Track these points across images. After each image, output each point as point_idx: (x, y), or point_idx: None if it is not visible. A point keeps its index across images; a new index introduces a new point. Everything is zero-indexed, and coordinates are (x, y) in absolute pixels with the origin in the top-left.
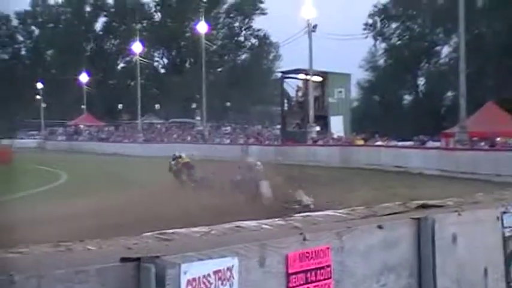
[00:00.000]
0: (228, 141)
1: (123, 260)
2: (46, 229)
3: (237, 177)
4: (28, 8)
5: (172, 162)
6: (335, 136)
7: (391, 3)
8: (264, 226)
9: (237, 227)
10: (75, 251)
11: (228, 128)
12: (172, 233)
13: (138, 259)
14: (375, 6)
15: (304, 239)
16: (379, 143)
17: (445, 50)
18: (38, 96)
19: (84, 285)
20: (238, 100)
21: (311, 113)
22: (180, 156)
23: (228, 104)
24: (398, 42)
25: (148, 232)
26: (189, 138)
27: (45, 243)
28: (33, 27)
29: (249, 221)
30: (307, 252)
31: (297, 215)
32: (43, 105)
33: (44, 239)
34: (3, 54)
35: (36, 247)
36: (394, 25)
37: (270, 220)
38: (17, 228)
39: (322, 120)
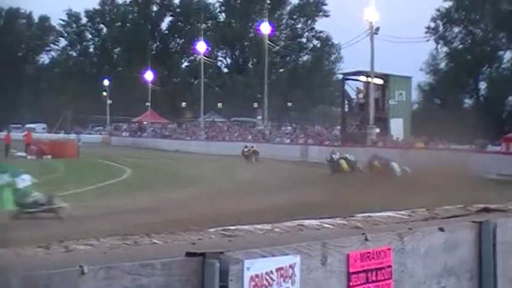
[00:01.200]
0: (288, 140)
1: (189, 254)
2: (112, 223)
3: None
4: (97, 6)
5: (245, 149)
6: (395, 138)
7: (453, 7)
8: (325, 225)
9: (299, 225)
10: (141, 244)
11: (289, 128)
12: (236, 229)
13: (203, 254)
14: (438, 10)
15: (366, 239)
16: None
17: (508, 55)
18: (104, 93)
19: (150, 278)
20: (299, 100)
21: (371, 114)
22: (252, 146)
23: (289, 104)
24: (460, 46)
25: (212, 228)
26: (250, 137)
27: (113, 236)
28: (101, 26)
29: (311, 220)
30: (368, 253)
31: (358, 215)
32: (109, 101)
33: (110, 233)
34: (72, 51)
35: (105, 240)
36: (456, 29)
37: (331, 219)
38: (84, 221)
39: (382, 122)
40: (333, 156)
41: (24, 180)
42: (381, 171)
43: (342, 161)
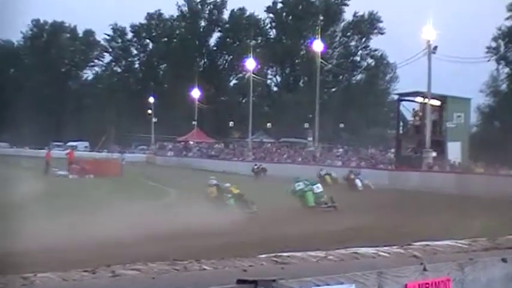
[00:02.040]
0: (339, 163)
1: (240, 282)
2: (157, 246)
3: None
4: (143, 21)
5: (255, 167)
6: (452, 162)
7: None
8: (381, 253)
9: (354, 253)
10: (191, 270)
11: (340, 150)
12: (288, 256)
13: (254, 282)
14: (499, 28)
15: (424, 269)
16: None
17: None
18: (149, 111)
19: None
20: (351, 121)
21: (428, 137)
22: (261, 165)
23: (341, 125)
24: None
25: (263, 254)
26: (299, 159)
27: (161, 261)
28: (147, 41)
29: (367, 248)
30: (426, 283)
31: (416, 243)
32: (154, 119)
33: (157, 257)
34: (116, 67)
35: (153, 265)
36: None
37: (387, 248)
38: (127, 244)
39: (439, 146)
40: (321, 172)
41: (318, 188)
42: (350, 184)
43: (327, 177)
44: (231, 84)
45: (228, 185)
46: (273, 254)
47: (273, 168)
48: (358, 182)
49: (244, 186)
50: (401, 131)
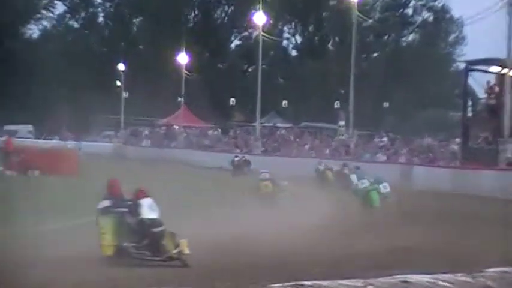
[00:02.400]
0: (383, 157)
1: None
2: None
3: None
4: None
5: (236, 159)
6: None
7: None
8: (440, 283)
9: (403, 282)
10: None
11: (385, 139)
12: (311, 285)
13: None
14: None
15: None
16: None
17: None
18: (117, 82)
19: None
20: (400, 99)
21: (506, 122)
22: (243, 156)
23: (386, 104)
24: None
25: (276, 283)
26: (327, 151)
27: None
28: None
29: (421, 275)
30: None
31: (488, 270)
32: (124, 94)
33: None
34: (72, 21)
35: None
36: None
37: (449, 275)
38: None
39: None
40: (319, 167)
41: (385, 187)
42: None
43: (328, 172)
44: (232, 46)
45: (285, 183)
46: (292, 283)
47: (284, 163)
48: (354, 179)
49: None
50: (469, 114)
